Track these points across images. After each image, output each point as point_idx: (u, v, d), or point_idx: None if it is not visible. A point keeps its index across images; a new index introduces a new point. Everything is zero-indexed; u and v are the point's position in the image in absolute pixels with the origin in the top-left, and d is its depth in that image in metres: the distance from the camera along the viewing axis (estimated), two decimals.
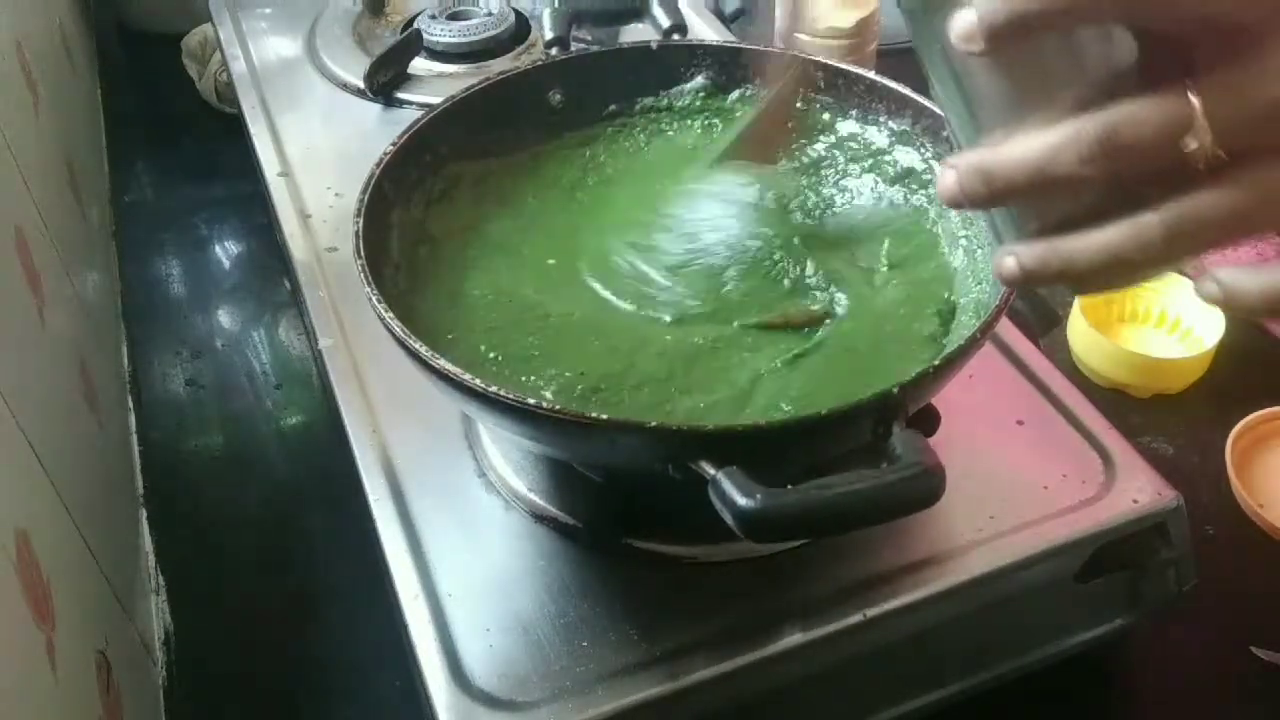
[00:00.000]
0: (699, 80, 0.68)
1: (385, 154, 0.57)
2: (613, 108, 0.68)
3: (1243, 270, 0.33)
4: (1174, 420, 0.74)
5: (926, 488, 0.40)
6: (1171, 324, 0.79)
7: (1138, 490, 0.55)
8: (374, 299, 0.48)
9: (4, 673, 0.42)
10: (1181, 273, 0.76)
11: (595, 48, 0.85)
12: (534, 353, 0.54)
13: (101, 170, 1.08)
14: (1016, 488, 0.56)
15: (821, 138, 0.65)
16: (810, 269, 0.57)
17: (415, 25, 0.92)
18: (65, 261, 0.76)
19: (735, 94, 0.68)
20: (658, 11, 0.87)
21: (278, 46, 0.97)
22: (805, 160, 0.65)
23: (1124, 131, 0.31)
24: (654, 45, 0.68)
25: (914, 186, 0.62)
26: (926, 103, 0.60)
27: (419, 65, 0.91)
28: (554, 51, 0.85)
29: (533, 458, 0.57)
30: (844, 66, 0.64)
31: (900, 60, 0.38)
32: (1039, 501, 0.55)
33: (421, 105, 0.84)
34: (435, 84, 0.89)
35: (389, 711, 0.61)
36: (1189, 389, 0.76)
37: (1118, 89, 0.31)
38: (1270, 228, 0.33)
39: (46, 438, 0.56)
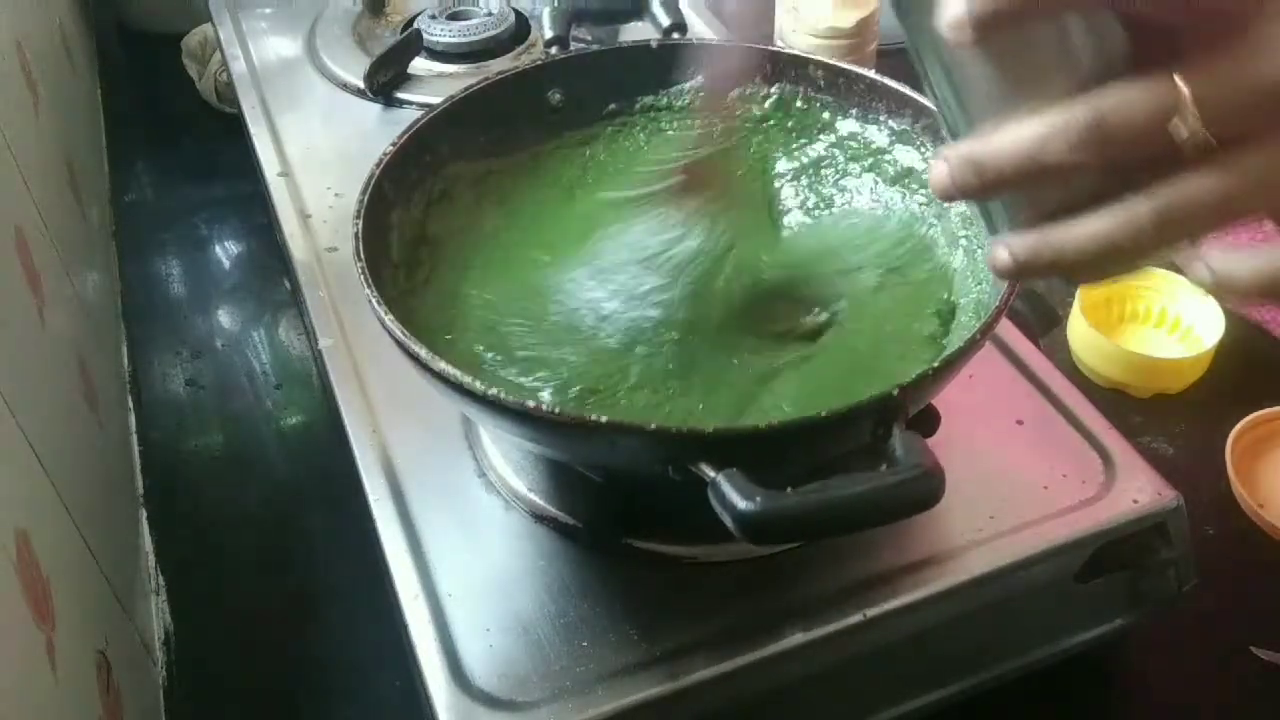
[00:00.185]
0: (699, 79, 0.68)
1: (385, 154, 0.57)
2: (613, 107, 0.68)
3: (1233, 253, 0.33)
4: (1174, 420, 0.74)
5: (926, 490, 0.40)
6: (1171, 324, 0.79)
7: (1138, 490, 0.55)
8: (374, 301, 0.48)
9: (4, 673, 0.42)
10: (1173, 267, 0.76)
11: (595, 47, 0.86)
12: (533, 353, 0.54)
13: (101, 170, 1.08)
14: (1016, 488, 0.56)
15: (821, 137, 0.65)
16: (810, 269, 0.57)
17: (415, 25, 0.92)
18: (65, 261, 0.76)
19: (735, 92, 0.68)
20: (657, 10, 0.87)
21: (278, 46, 0.97)
22: (805, 160, 0.65)
23: (1112, 118, 0.31)
24: (654, 44, 0.68)
25: (914, 186, 0.62)
26: (926, 102, 0.60)
27: (419, 65, 0.91)
28: (554, 51, 0.85)
29: (533, 458, 0.57)
30: (844, 66, 0.64)
31: (900, 60, 0.38)
32: (1039, 501, 0.55)
33: (421, 105, 0.84)
34: (435, 84, 0.89)
35: (389, 711, 0.61)
36: (1189, 389, 0.75)
37: (1107, 78, 0.31)
38: (1262, 212, 0.33)
39: (46, 438, 0.56)
